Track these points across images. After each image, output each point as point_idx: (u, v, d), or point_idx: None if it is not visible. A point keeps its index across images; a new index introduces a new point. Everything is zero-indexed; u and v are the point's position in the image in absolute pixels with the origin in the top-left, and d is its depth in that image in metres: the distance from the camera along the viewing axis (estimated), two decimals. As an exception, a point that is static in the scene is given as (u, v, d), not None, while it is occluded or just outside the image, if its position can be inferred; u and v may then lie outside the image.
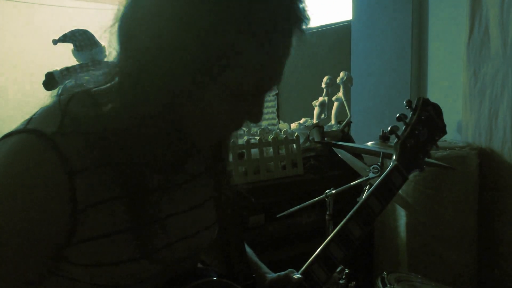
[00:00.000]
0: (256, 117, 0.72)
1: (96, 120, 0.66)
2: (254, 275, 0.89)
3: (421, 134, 0.91)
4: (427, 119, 0.93)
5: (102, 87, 0.72)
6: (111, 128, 0.66)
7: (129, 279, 0.72)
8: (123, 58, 0.67)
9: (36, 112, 0.69)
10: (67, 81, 1.94)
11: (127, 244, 0.70)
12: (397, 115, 0.91)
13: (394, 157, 0.91)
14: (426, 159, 1.71)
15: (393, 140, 2.07)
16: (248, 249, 0.96)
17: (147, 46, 0.63)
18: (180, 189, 0.79)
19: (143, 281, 0.73)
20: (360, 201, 0.87)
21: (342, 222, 0.87)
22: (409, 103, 0.93)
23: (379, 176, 1.55)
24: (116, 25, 0.67)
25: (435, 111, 0.95)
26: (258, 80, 0.66)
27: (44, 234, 0.64)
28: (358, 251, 2.04)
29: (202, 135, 0.73)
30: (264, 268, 0.97)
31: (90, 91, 0.71)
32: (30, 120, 0.67)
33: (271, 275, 0.95)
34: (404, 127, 0.93)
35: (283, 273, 0.91)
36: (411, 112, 0.94)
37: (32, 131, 0.64)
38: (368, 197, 0.88)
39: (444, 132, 0.94)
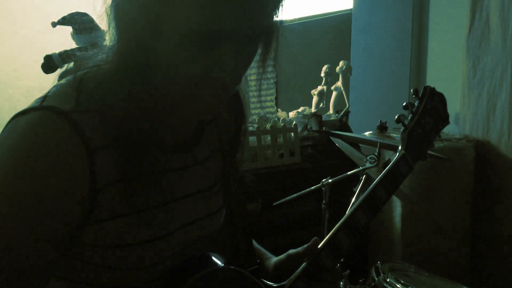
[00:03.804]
0: (231, 72, 0.64)
1: (111, 97, 0.65)
2: (258, 260, 0.90)
3: (427, 124, 0.92)
4: (432, 108, 0.93)
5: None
6: (124, 105, 0.65)
7: (145, 261, 0.72)
8: (116, 34, 0.66)
9: (50, 90, 0.67)
10: (65, 64, 1.93)
11: (143, 225, 0.70)
12: (404, 104, 0.91)
13: (401, 146, 0.91)
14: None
15: (390, 130, 2.07)
16: None
17: (134, 15, 0.62)
18: (190, 171, 0.79)
19: (156, 264, 0.74)
20: (368, 190, 0.87)
21: (349, 211, 0.87)
22: (416, 91, 0.93)
23: (376, 166, 1.56)
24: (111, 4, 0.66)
25: (440, 100, 0.95)
26: (209, 18, 0.60)
27: (63, 213, 0.63)
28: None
29: (183, 98, 0.69)
30: (267, 253, 0.98)
31: (103, 69, 0.69)
32: (45, 98, 0.65)
33: (275, 258, 0.95)
34: (410, 116, 0.93)
35: (294, 251, 0.90)
36: (417, 101, 0.94)
37: (49, 108, 0.63)
38: (375, 186, 0.87)
39: (447, 122, 0.95)
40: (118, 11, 0.65)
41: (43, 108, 0.63)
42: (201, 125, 0.84)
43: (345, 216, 0.87)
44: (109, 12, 0.66)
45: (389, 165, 0.89)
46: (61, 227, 0.63)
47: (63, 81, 0.69)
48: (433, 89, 0.94)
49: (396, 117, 0.91)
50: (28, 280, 0.61)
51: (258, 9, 0.63)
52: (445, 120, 0.95)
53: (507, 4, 2.13)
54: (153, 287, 0.76)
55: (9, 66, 2.32)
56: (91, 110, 0.65)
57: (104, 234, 0.67)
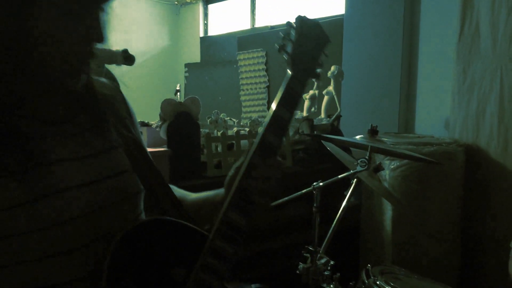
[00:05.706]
0: (97, 37, 0.77)
1: None
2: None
3: (308, 45, 1.00)
4: (309, 32, 1.01)
5: None
6: None
7: (34, 225, 0.72)
8: None
9: None
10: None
11: (16, 188, 0.71)
12: (282, 35, 0.97)
13: (288, 70, 0.99)
14: (414, 154, 1.74)
15: (381, 134, 2.08)
16: (181, 192, 1.02)
17: None
18: (73, 138, 0.82)
19: (56, 226, 0.74)
20: (271, 113, 0.92)
21: (260, 133, 0.92)
22: (289, 23, 1.02)
23: (367, 169, 1.57)
24: None
25: (315, 25, 1.03)
26: None
27: None
28: (344, 243, 2.06)
29: (53, 65, 0.76)
30: (190, 194, 1.04)
31: None
32: None
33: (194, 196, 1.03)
34: (291, 44, 1.00)
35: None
36: (292, 30, 1.03)
37: None
38: (277, 107, 0.94)
39: (328, 40, 1.02)
40: None
41: None
42: (76, 97, 0.86)
43: (257, 138, 0.92)
44: None
45: (282, 86, 0.96)
46: None
47: None
48: (305, 17, 1.03)
49: (277, 46, 0.96)
50: None
51: None
52: (325, 39, 1.02)
53: (497, 11, 2.15)
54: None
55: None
56: None
57: None
